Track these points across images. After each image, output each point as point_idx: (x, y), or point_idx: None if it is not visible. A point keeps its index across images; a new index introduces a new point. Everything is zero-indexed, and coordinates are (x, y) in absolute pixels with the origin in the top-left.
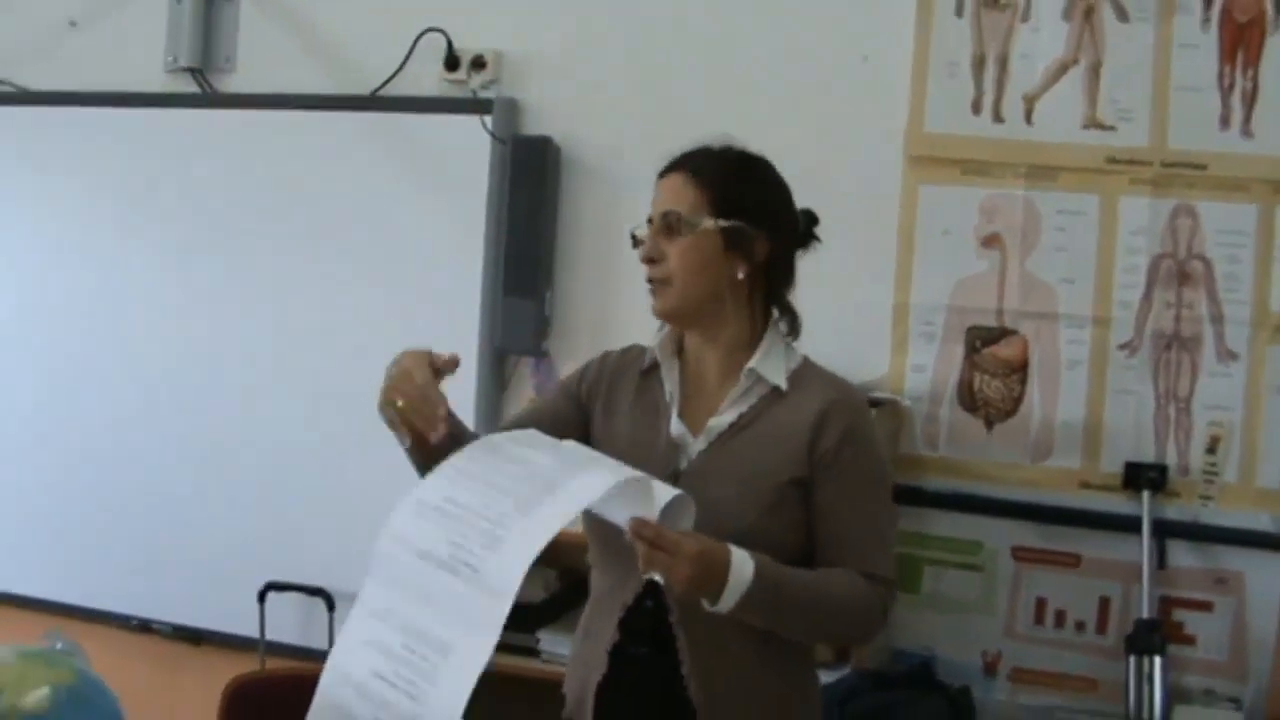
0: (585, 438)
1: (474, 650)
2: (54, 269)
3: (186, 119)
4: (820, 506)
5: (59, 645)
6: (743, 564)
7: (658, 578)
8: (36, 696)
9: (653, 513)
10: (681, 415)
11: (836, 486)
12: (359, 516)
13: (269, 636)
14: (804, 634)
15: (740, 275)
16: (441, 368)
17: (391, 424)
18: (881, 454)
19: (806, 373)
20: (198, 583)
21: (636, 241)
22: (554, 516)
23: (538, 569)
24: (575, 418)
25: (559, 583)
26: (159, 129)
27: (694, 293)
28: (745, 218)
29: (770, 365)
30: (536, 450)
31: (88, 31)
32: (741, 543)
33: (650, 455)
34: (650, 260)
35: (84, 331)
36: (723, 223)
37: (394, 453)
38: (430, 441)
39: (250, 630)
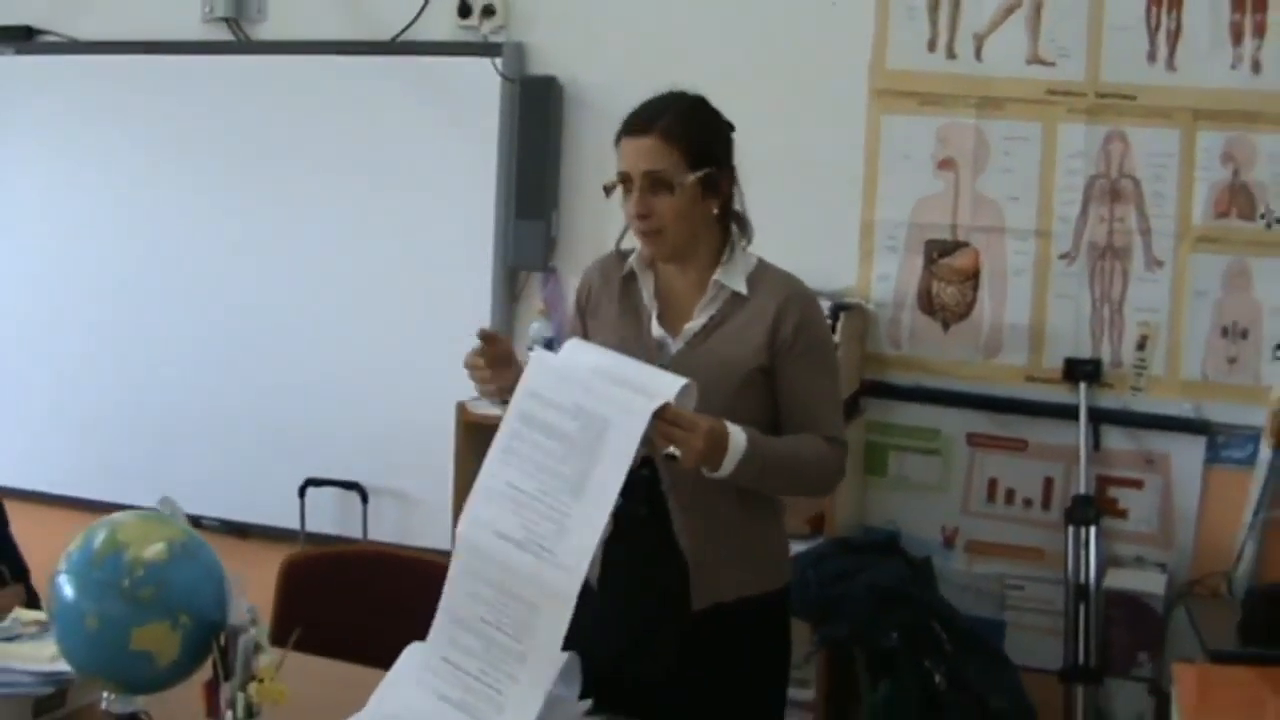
0: None
1: (555, 612)
2: (105, 199)
3: (223, 64)
4: (783, 386)
5: (169, 511)
6: (738, 436)
7: (675, 452)
8: (155, 549)
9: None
10: (660, 321)
11: (795, 368)
12: (388, 416)
13: (308, 528)
14: (781, 489)
15: (715, 211)
16: (494, 346)
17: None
18: (829, 336)
19: (761, 274)
20: (243, 481)
21: (609, 191)
22: (604, 495)
23: None
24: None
25: None
26: (198, 73)
27: (683, 237)
28: (712, 162)
29: (732, 275)
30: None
31: None
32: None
33: (637, 355)
34: (642, 216)
35: (135, 255)
36: (698, 174)
37: (418, 361)
38: None
39: (291, 523)
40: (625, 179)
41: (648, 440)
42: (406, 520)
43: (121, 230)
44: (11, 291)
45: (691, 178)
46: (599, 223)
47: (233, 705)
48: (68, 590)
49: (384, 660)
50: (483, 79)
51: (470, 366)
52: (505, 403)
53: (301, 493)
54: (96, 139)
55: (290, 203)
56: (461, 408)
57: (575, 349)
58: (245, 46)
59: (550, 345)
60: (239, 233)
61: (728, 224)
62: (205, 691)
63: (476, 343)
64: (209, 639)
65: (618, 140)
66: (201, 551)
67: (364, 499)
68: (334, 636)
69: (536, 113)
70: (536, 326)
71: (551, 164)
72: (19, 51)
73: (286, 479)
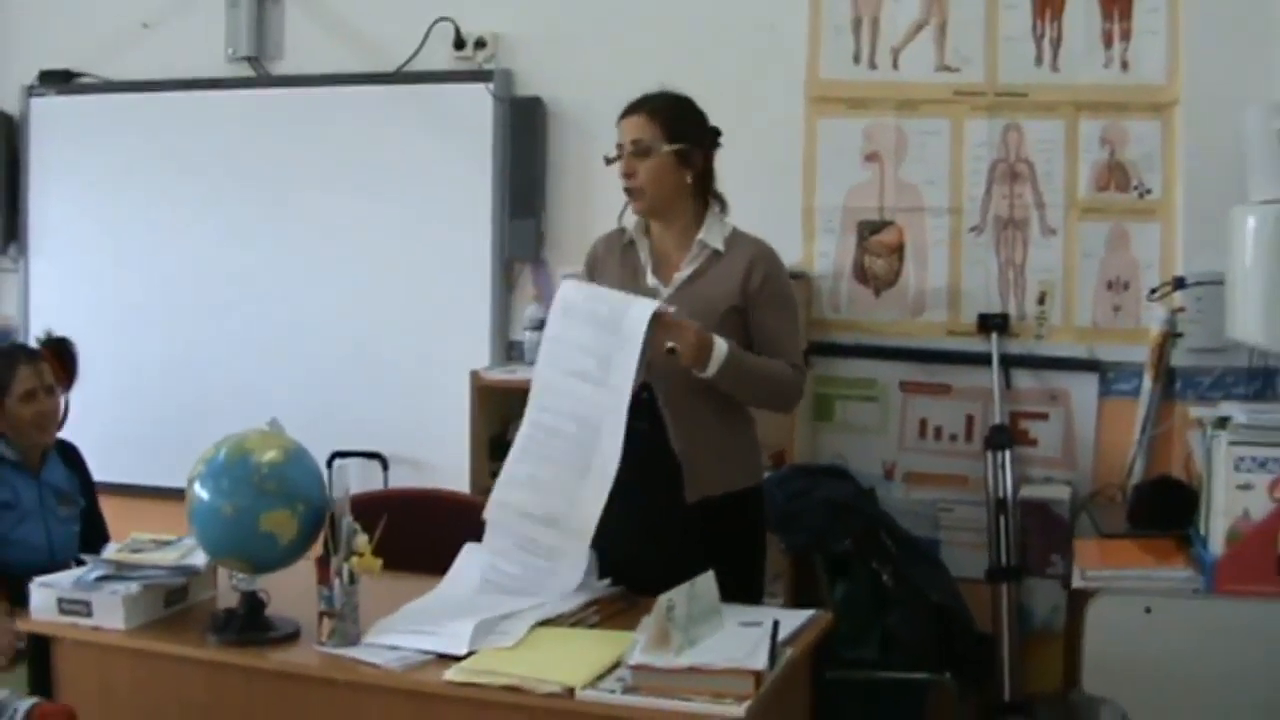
0: None
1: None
2: (142, 220)
3: (246, 97)
4: (754, 323)
5: (275, 428)
6: (720, 342)
7: (675, 346)
8: (273, 453)
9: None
10: (654, 273)
11: (763, 310)
12: (404, 393)
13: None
14: (754, 397)
15: (689, 180)
16: None
17: None
18: (789, 285)
19: (736, 237)
20: None
21: (609, 161)
22: (599, 487)
23: None
24: None
25: None
26: (224, 106)
27: (659, 196)
28: (687, 140)
29: (712, 235)
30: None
31: (158, 31)
32: None
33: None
34: (628, 175)
35: (175, 262)
36: (674, 146)
37: (430, 342)
38: None
39: None
40: (620, 150)
41: (650, 345)
42: (423, 483)
43: (161, 243)
44: (58, 303)
45: (667, 148)
46: (581, 219)
47: (339, 573)
48: (203, 493)
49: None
50: (477, 101)
51: None
52: None
53: (329, 463)
54: (132, 168)
55: (311, 213)
56: (475, 375)
57: (571, 285)
58: (266, 81)
59: (542, 325)
60: (266, 241)
61: (706, 196)
62: (317, 564)
63: (481, 320)
64: (318, 523)
65: (619, 120)
66: (305, 456)
67: (384, 466)
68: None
69: (524, 128)
70: (531, 309)
71: (538, 170)
72: (60, 92)
73: (316, 453)
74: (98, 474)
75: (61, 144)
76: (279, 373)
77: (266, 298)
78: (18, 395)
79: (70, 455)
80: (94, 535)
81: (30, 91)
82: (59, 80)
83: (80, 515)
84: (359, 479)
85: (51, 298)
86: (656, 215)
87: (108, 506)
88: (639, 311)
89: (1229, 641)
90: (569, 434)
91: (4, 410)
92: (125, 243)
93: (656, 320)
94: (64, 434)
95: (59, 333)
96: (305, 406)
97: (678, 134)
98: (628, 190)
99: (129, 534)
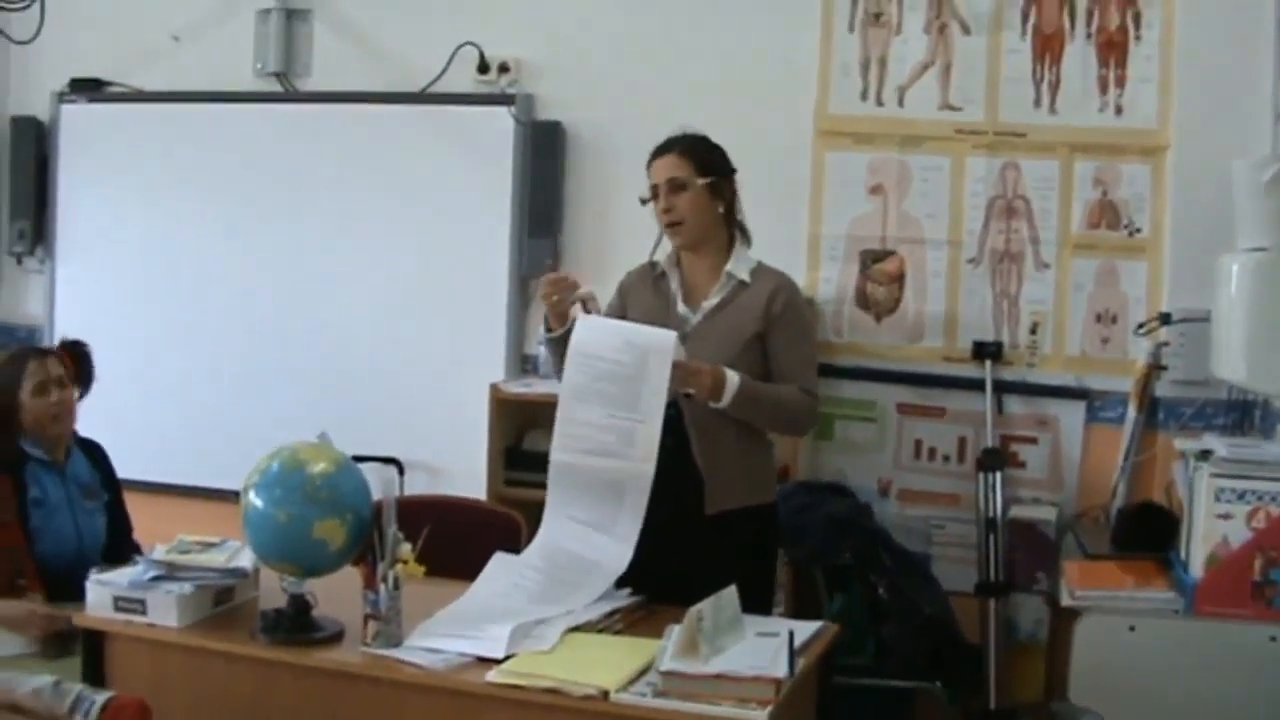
0: None
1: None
2: (167, 230)
3: (273, 112)
4: (772, 349)
5: (325, 441)
6: (733, 376)
7: (691, 391)
8: (323, 465)
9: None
10: (684, 301)
11: (781, 336)
12: (424, 400)
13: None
14: (768, 422)
15: (720, 211)
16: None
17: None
18: (808, 315)
19: (760, 269)
20: None
21: (644, 202)
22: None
23: None
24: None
25: None
26: (251, 121)
27: (698, 226)
28: (717, 173)
29: (739, 268)
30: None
31: (188, 44)
32: None
33: (666, 326)
34: (668, 210)
35: (200, 274)
36: (705, 180)
37: (449, 354)
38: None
39: None
40: (655, 190)
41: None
42: (439, 490)
43: (185, 250)
44: (84, 305)
45: (700, 182)
46: (596, 239)
47: (385, 578)
48: (258, 500)
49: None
50: (499, 123)
51: (550, 281)
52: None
53: None
54: (158, 176)
55: (334, 226)
56: (494, 388)
57: (586, 322)
58: (292, 97)
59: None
60: (289, 252)
61: (732, 230)
62: (364, 569)
63: (498, 334)
64: (366, 532)
65: (649, 164)
66: (354, 469)
67: (400, 471)
68: None
69: (544, 150)
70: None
71: (556, 192)
72: (90, 100)
73: None
74: (122, 473)
75: (90, 150)
76: (300, 379)
77: (288, 307)
78: (29, 390)
79: (93, 452)
80: (120, 528)
81: (61, 98)
82: (89, 88)
83: (105, 508)
84: (375, 484)
85: (77, 300)
86: (694, 246)
87: (133, 503)
88: (658, 361)
89: (1207, 660)
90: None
91: (21, 407)
92: (150, 248)
93: (674, 367)
94: (89, 434)
95: (77, 335)
96: (325, 412)
97: (708, 168)
98: (669, 225)
99: (155, 531)
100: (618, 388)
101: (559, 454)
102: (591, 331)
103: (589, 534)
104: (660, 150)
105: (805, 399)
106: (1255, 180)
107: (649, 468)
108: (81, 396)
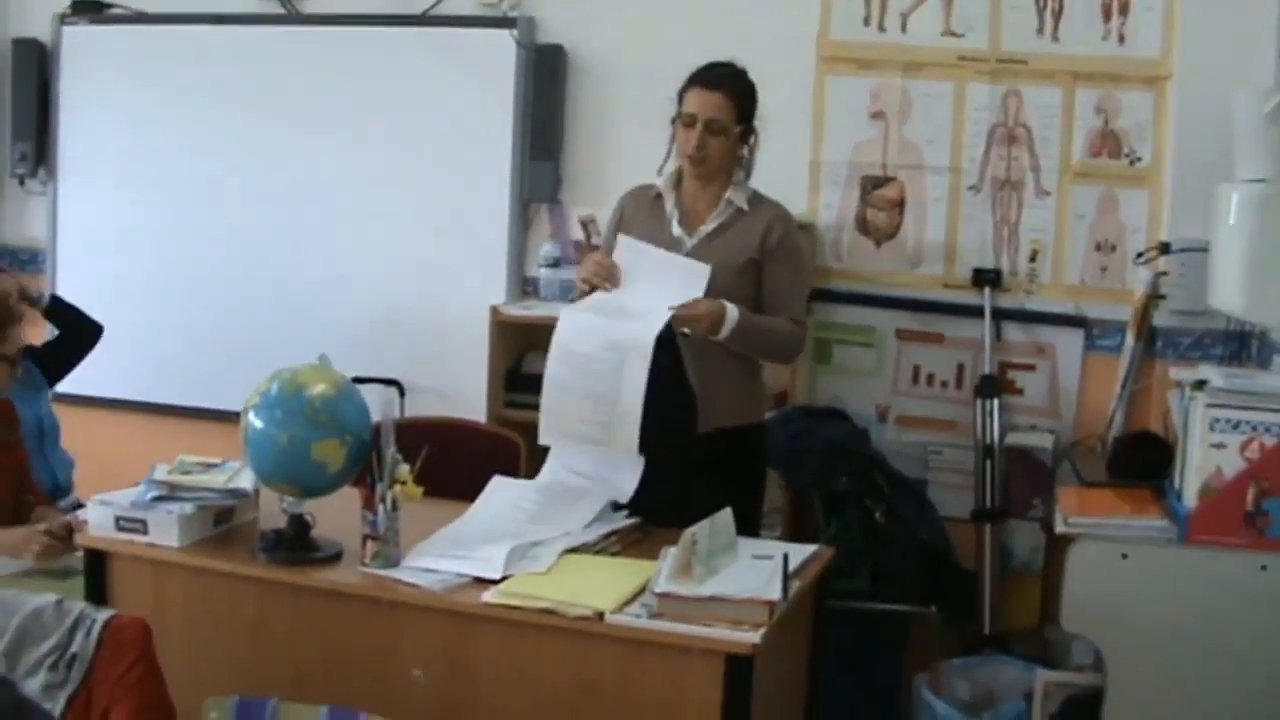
0: None
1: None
2: (168, 152)
3: (274, 34)
4: (767, 280)
5: (325, 363)
6: (731, 310)
7: (687, 331)
8: (323, 387)
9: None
10: (680, 224)
11: (775, 266)
12: (423, 325)
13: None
14: (760, 352)
15: (742, 152)
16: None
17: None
18: (801, 247)
19: (758, 198)
20: None
21: (674, 122)
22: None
23: None
24: None
25: None
26: (252, 42)
27: (722, 166)
28: (749, 120)
29: (739, 196)
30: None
31: None
32: (720, 298)
33: (660, 246)
34: (699, 148)
35: (200, 197)
36: (741, 126)
37: (450, 277)
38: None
39: None
40: (690, 119)
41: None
42: (440, 412)
43: (186, 171)
44: (85, 226)
45: (737, 128)
46: (597, 163)
47: (383, 499)
48: (258, 422)
49: None
50: (501, 47)
51: (597, 268)
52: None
53: None
54: (159, 98)
55: (337, 152)
56: (494, 310)
57: (570, 315)
58: (294, 19)
59: (557, 263)
60: (293, 176)
61: (742, 165)
62: (363, 490)
63: (499, 257)
64: (365, 453)
65: (686, 87)
66: (354, 391)
67: (401, 393)
68: None
69: (546, 74)
70: (547, 247)
71: (558, 114)
72: (92, 22)
73: None
74: (123, 393)
75: (91, 73)
76: (301, 301)
77: (289, 228)
78: None
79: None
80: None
81: (62, 20)
82: (91, 10)
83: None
84: (376, 405)
85: (79, 221)
86: (710, 179)
87: (135, 424)
88: (638, 359)
89: (1198, 588)
90: (602, 360)
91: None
92: (151, 169)
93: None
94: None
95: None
96: (326, 334)
97: (746, 114)
98: (695, 160)
99: (157, 451)
100: (601, 385)
101: (546, 437)
102: (576, 328)
103: (589, 478)
104: (707, 82)
105: (795, 329)
106: (1256, 111)
107: (633, 455)
108: (73, 349)
